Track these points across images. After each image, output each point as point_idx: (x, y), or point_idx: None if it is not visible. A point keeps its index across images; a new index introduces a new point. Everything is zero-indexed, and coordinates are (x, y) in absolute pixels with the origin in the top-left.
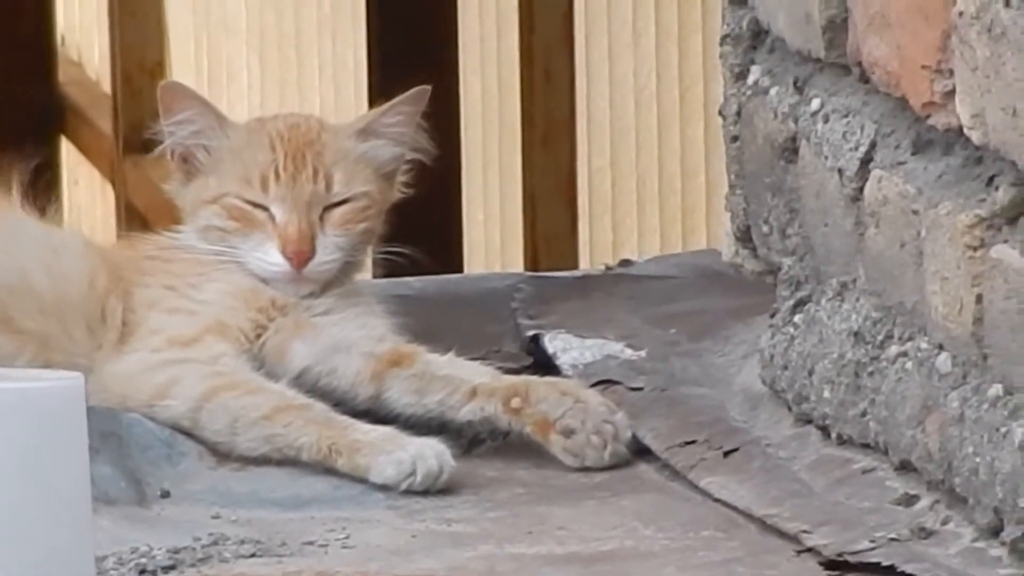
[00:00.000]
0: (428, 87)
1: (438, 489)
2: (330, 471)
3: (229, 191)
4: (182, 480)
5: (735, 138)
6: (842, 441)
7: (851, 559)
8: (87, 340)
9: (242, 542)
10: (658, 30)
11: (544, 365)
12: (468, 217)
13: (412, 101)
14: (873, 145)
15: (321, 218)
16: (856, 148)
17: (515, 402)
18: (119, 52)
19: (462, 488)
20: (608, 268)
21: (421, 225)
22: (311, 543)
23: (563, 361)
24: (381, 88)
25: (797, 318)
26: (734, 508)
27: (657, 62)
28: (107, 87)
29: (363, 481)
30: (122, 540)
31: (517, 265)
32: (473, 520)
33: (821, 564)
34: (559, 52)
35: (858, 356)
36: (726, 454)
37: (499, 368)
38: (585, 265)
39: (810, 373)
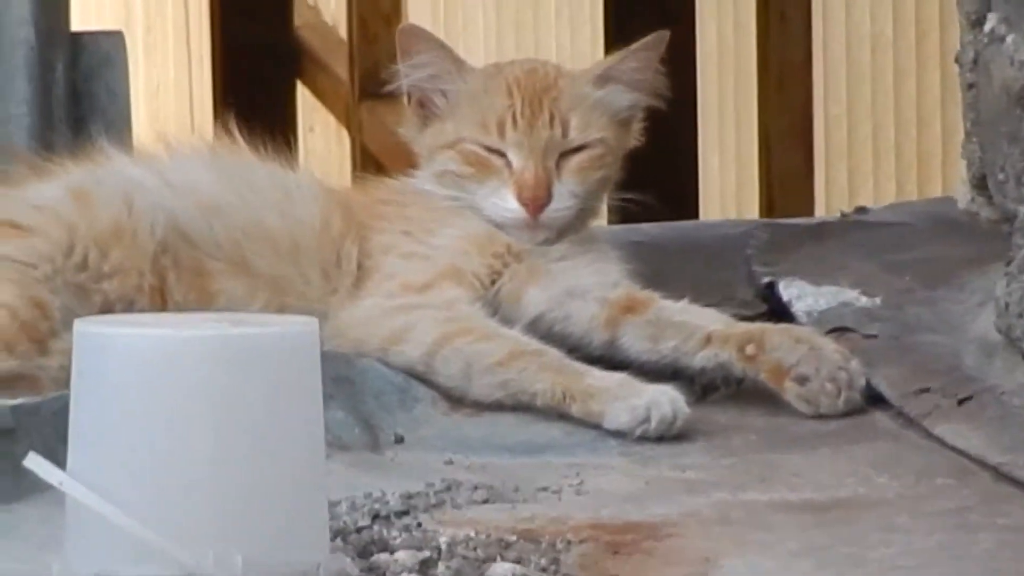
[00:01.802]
0: (666, 32)
1: (672, 436)
2: (564, 417)
3: (465, 136)
4: (416, 426)
5: (971, 86)
6: None
7: None
8: (322, 284)
9: (475, 488)
10: None
11: (778, 312)
12: (704, 162)
13: (650, 47)
14: None
15: (558, 165)
16: None
17: (750, 349)
18: None
19: (696, 435)
20: (844, 215)
21: (656, 171)
22: (544, 489)
23: (798, 308)
24: (617, 34)
25: None
26: (967, 456)
27: (893, 8)
28: (343, 32)
29: (597, 427)
30: (355, 485)
31: (752, 210)
32: (706, 467)
33: None
34: None
35: None
36: (960, 402)
37: (733, 315)
38: (820, 210)
39: None
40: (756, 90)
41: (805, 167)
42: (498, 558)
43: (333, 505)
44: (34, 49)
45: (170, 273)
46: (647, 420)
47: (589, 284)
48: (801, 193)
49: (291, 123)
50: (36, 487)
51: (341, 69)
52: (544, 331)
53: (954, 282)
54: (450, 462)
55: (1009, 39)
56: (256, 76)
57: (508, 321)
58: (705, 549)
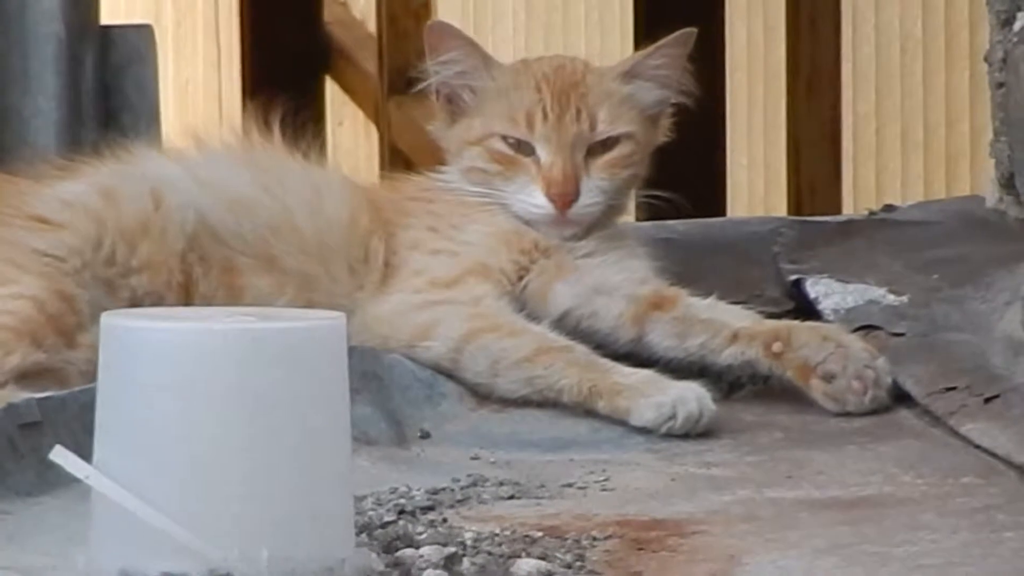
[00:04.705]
0: (694, 30)
1: (698, 433)
2: (590, 413)
3: (494, 130)
4: (442, 421)
5: (1000, 85)
6: None
7: None
8: (349, 280)
9: (501, 484)
10: None
11: (806, 310)
12: (732, 161)
13: (678, 43)
14: None
15: (586, 161)
16: None
17: (776, 346)
18: None
19: (722, 432)
20: (871, 213)
21: (685, 169)
22: (570, 485)
23: (825, 306)
24: (647, 32)
25: None
26: (994, 455)
27: (923, 9)
28: (372, 27)
29: (623, 424)
30: (381, 480)
31: (780, 211)
32: (732, 464)
33: None
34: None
35: None
36: (987, 401)
37: (760, 312)
38: (848, 210)
39: None
40: (785, 93)
41: (833, 169)
42: (523, 554)
43: (359, 500)
44: (63, 43)
45: (197, 268)
46: (673, 417)
47: (617, 281)
48: (830, 193)
49: (320, 118)
50: (62, 480)
51: (370, 65)
52: (571, 327)
53: (981, 281)
54: (476, 458)
55: None
56: (285, 71)
57: (535, 317)
58: (730, 546)
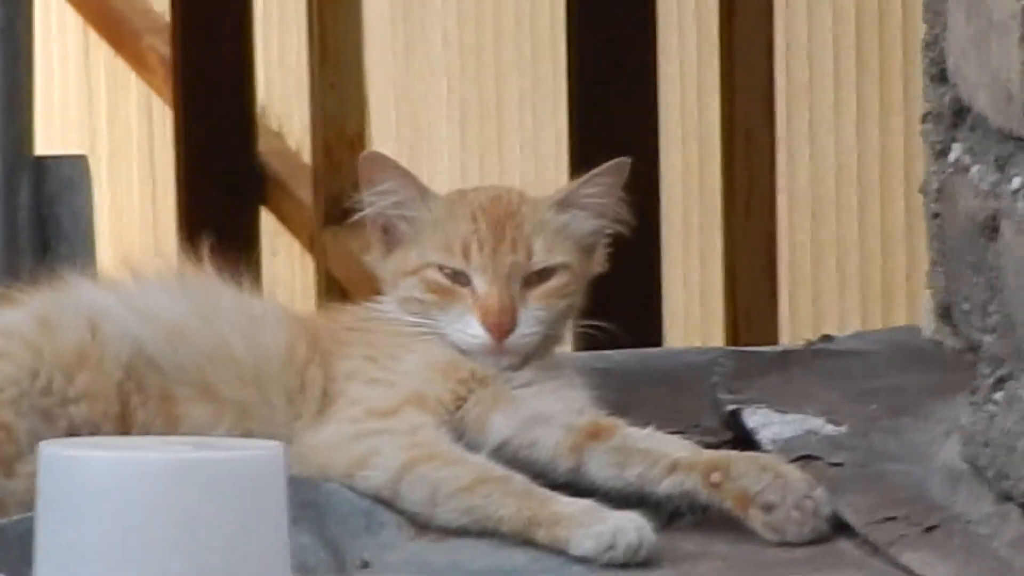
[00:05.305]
0: (628, 159)
1: (638, 562)
2: (529, 543)
3: (431, 260)
4: (381, 550)
5: (936, 215)
6: None
7: None
8: (286, 409)
9: None
10: (859, 107)
11: (744, 440)
12: (668, 290)
13: (612, 172)
14: None
15: (522, 291)
16: None
17: (715, 477)
18: (320, 123)
19: (662, 562)
20: (809, 343)
21: (621, 298)
22: None
23: (763, 436)
24: (581, 161)
25: (998, 395)
26: None
27: (858, 139)
28: (307, 157)
29: (563, 553)
30: None
31: (717, 339)
32: None
33: None
34: (760, 128)
35: None
36: (927, 530)
37: (699, 442)
38: (785, 339)
39: (1011, 451)
40: (721, 222)
41: (770, 298)
42: None
43: None
44: None
45: (135, 397)
46: (613, 547)
47: (554, 410)
48: (766, 322)
49: (255, 248)
50: None
51: (305, 194)
52: (509, 457)
53: (920, 411)
54: None
55: (974, 169)
56: (220, 201)
57: (473, 447)
58: None
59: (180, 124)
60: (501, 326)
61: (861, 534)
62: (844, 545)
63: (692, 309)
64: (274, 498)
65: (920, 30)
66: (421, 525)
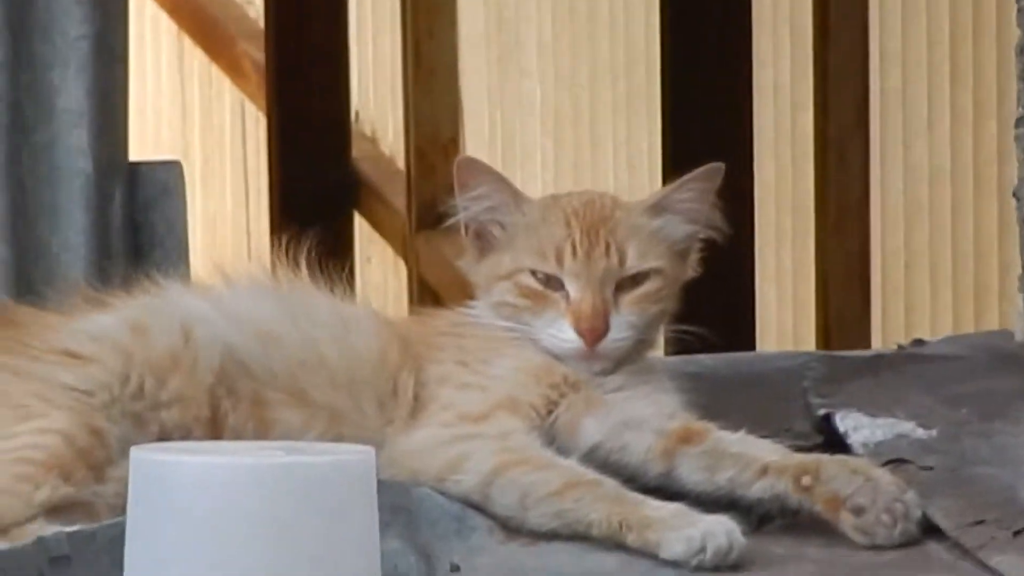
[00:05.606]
0: (721, 164)
1: (728, 566)
2: (620, 546)
3: (524, 265)
4: (472, 554)
5: None
6: None
7: None
8: (378, 414)
9: None
10: (952, 113)
11: (834, 444)
12: (760, 296)
13: (705, 177)
14: None
15: (615, 295)
16: None
17: (805, 480)
18: (413, 128)
19: (752, 565)
20: (900, 347)
21: (713, 303)
22: None
23: (854, 440)
24: (675, 168)
25: None
26: None
27: (952, 144)
28: (401, 163)
29: (653, 557)
30: None
31: (809, 345)
32: None
33: None
34: (853, 136)
35: None
36: (1015, 534)
37: (789, 446)
38: (877, 346)
39: None
40: (813, 228)
41: (862, 303)
42: None
43: None
44: (91, 179)
45: (226, 402)
46: (703, 550)
47: (646, 415)
48: (858, 328)
49: (348, 253)
50: None
51: (399, 200)
52: (601, 461)
53: (1011, 415)
54: None
55: None
56: (313, 207)
57: (565, 451)
58: None
59: (273, 130)
60: (594, 331)
61: (951, 538)
62: (934, 548)
63: (784, 315)
64: (365, 503)
65: (1015, 35)
66: (512, 529)
